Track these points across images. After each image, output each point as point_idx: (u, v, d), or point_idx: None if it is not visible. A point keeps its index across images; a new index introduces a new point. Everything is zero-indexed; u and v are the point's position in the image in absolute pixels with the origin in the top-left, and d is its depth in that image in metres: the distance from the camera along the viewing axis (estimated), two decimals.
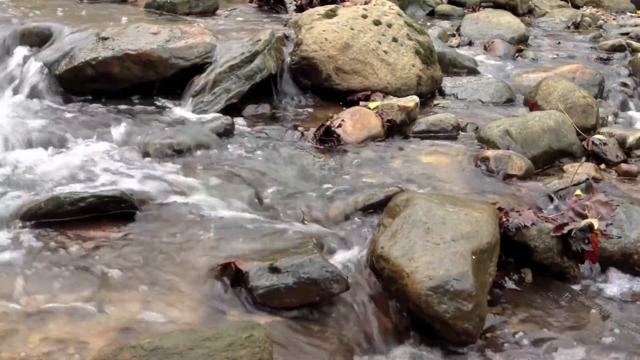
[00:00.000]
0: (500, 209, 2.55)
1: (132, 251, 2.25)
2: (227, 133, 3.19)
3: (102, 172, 2.75)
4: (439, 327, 2.12)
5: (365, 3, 4.12)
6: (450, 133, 3.45)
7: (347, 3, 4.25)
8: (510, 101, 4.09)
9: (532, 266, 2.53)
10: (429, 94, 4.00)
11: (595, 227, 2.54)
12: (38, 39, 3.69)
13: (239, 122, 3.34)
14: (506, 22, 5.86)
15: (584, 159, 3.39)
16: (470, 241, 2.23)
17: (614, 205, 2.74)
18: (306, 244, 2.30)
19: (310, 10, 4.12)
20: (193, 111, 3.36)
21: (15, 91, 3.41)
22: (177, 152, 2.96)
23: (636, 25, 6.77)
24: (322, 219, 2.58)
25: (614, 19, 7.32)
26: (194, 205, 2.56)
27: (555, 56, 5.29)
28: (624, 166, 3.37)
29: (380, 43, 3.87)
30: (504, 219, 2.51)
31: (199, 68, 3.55)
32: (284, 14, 4.96)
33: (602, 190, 2.99)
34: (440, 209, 2.33)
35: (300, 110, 3.62)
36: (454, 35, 5.68)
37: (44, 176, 2.67)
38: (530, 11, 7.08)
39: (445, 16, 6.64)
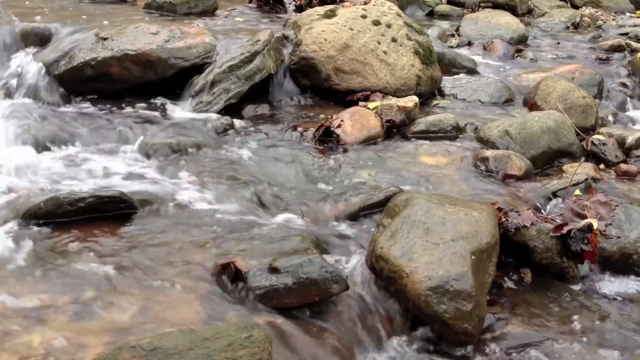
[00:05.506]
0: (499, 209, 2.54)
1: (132, 251, 2.25)
2: (226, 133, 3.19)
3: (101, 172, 2.75)
4: (438, 327, 2.12)
5: (365, 3, 4.12)
6: (450, 133, 3.45)
7: (347, 3, 4.25)
8: (509, 101, 4.10)
9: (532, 266, 2.53)
10: (429, 94, 4.00)
11: (595, 227, 2.54)
12: (37, 39, 3.69)
13: (239, 122, 3.34)
14: (505, 23, 5.87)
15: (583, 159, 3.40)
16: (469, 241, 2.23)
17: (613, 205, 2.73)
18: (305, 244, 2.30)
19: (309, 11, 4.12)
20: (192, 111, 3.36)
21: (15, 91, 3.41)
22: (177, 152, 2.97)
23: (635, 26, 6.78)
24: (321, 219, 2.59)
25: (613, 19, 7.32)
26: (194, 205, 2.56)
27: (554, 56, 5.30)
28: (623, 166, 3.37)
29: (379, 43, 3.87)
30: (504, 219, 2.51)
31: (198, 68, 3.55)
32: (284, 14, 4.97)
33: (601, 190, 2.99)
34: (439, 209, 2.33)
35: (299, 110, 3.63)
36: (453, 36, 5.69)
37: (43, 176, 2.67)
38: (530, 11, 7.09)
39: (444, 16, 6.65)
